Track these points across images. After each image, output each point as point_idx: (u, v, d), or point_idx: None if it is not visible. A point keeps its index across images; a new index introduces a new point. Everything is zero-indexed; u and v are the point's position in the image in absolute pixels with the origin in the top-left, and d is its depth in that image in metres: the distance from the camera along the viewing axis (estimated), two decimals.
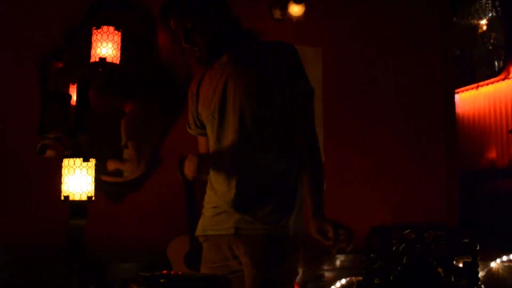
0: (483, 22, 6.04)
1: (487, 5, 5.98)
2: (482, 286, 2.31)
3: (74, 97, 2.89)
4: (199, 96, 2.06)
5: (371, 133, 4.34)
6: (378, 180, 4.29)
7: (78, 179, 2.59)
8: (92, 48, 2.86)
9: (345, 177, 4.16)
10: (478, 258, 2.32)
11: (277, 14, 4.06)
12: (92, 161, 2.64)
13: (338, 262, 4.00)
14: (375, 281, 2.44)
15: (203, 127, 2.07)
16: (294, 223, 1.90)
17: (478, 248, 2.31)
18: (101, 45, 2.85)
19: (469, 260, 2.31)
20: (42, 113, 2.90)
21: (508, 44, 5.62)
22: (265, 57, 1.92)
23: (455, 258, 2.34)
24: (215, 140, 1.98)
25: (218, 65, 1.99)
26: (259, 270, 1.86)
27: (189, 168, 1.94)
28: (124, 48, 2.98)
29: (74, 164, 2.60)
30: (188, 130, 2.16)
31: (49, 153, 2.75)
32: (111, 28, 2.88)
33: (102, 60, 2.83)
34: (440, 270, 2.34)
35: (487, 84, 5.77)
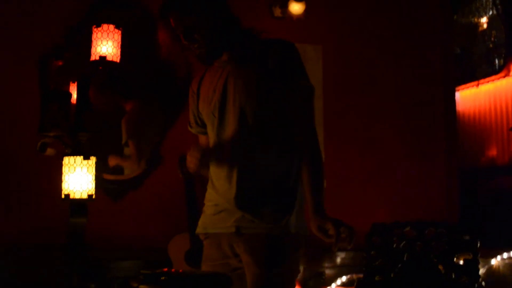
0: (484, 20, 6.02)
1: (487, 3, 5.96)
2: (483, 283, 2.31)
3: (74, 96, 2.88)
4: (200, 95, 2.06)
5: (371, 133, 4.33)
6: (378, 180, 4.28)
7: (78, 177, 2.59)
8: (92, 47, 2.84)
9: (345, 177, 4.15)
10: (479, 255, 2.32)
11: (277, 12, 4.06)
12: (93, 159, 2.64)
13: (338, 260, 3.99)
14: (376, 278, 2.44)
15: (203, 125, 2.07)
16: (295, 223, 1.90)
17: (478, 245, 2.31)
18: (101, 43, 2.83)
19: (470, 257, 2.32)
20: (42, 112, 2.91)
21: (508, 42, 5.60)
22: (265, 55, 1.91)
23: (456, 255, 2.34)
24: (216, 138, 1.98)
25: (218, 64, 1.99)
26: (260, 269, 1.86)
27: (191, 159, 1.91)
28: (124, 48, 2.97)
29: (75, 162, 2.60)
30: (189, 128, 2.16)
31: (50, 151, 2.75)
32: (111, 27, 2.86)
33: (102, 58, 2.82)
34: (440, 267, 2.34)
35: (488, 82, 5.74)
